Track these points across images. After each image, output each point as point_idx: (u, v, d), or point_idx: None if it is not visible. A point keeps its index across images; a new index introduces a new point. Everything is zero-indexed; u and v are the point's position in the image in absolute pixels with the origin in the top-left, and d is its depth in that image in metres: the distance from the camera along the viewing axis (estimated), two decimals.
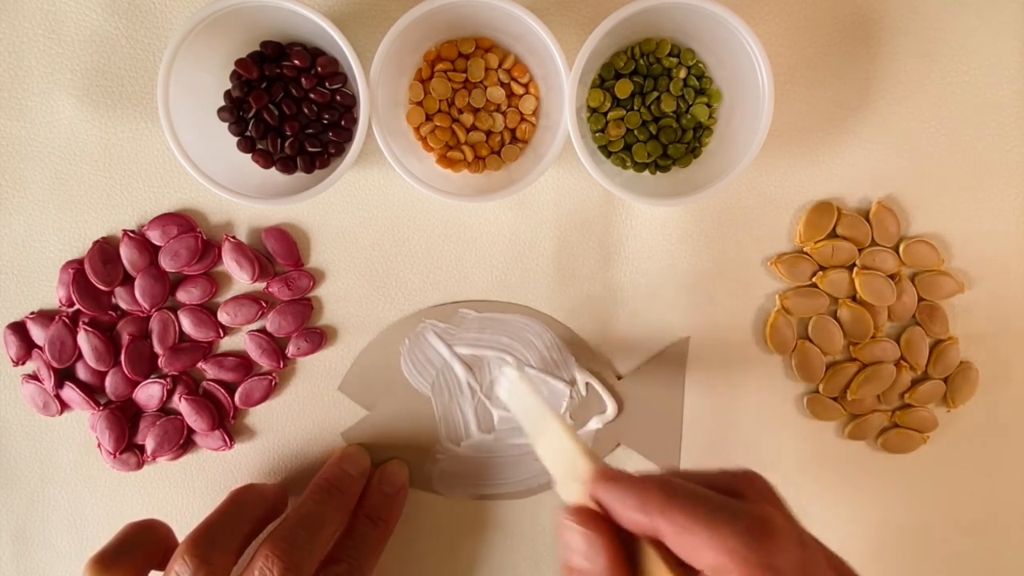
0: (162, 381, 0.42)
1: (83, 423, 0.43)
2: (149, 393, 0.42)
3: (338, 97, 0.39)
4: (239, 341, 0.43)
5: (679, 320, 0.43)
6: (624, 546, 0.27)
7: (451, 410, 0.43)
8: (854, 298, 0.43)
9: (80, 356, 0.42)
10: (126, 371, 0.41)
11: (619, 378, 0.43)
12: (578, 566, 0.26)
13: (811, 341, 0.43)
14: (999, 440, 0.44)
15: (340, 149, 0.40)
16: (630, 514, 0.26)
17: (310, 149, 0.39)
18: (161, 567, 0.36)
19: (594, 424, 0.43)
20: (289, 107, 0.39)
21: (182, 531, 0.36)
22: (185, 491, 0.44)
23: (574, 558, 0.27)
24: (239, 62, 0.38)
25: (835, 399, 0.43)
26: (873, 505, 0.44)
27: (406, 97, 0.40)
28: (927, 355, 0.43)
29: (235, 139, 0.39)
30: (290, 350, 0.42)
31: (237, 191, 0.36)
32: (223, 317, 0.42)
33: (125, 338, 0.41)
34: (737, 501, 0.26)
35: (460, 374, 0.42)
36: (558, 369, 0.43)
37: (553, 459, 0.31)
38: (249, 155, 0.39)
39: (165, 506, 0.44)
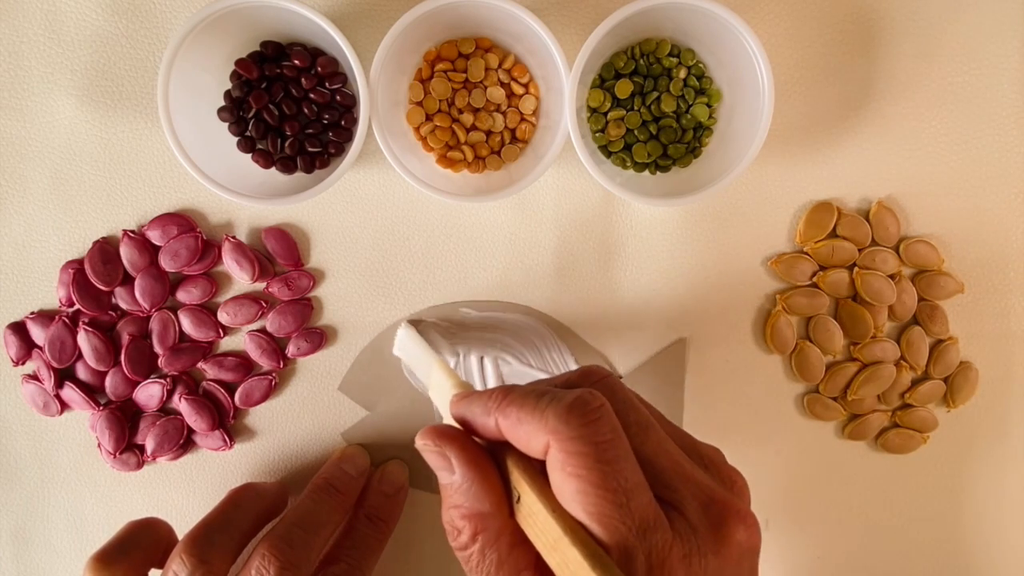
0: (162, 381, 0.42)
1: (83, 423, 0.43)
2: (149, 393, 0.42)
3: (338, 97, 0.39)
4: (239, 341, 0.43)
5: (679, 320, 0.43)
6: (495, 461, 0.28)
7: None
8: (854, 298, 0.43)
9: (80, 356, 0.42)
10: (126, 371, 0.41)
11: (619, 378, 0.43)
12: (444, 482, 0.27)
13: (811, 341, 0.43)
14: (999, 440, 0.44)
15: (340, 149, 0.40)
16: (479, 421, 0.27)
17: (310, 149, 0.39)
18: (161, 565, 0.36)
19: None
20: (289, 107, 0.39)
21: (182, 531, 0.36)
22: (185, 491, 0.44)
23: (439, 474, 0.28)
24: (239, 62, 0.38)
25: (835, 399, 0.43)
26: (873, 505, 0.44)
27: (406, 97, 0.40)
28: (927, 355, 0.43)
29: (235, 139, 0.39)
30: (290, 350, 0.42)
31: (237, 191, 0.36)
32: (223, 317, 0.42)
33: (125, 338, 0.41)
34: (566, 390, 0.26)
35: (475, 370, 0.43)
36: (558, 369, 0.43)
37: (439, 398, 0.32)
38: (249, 155, 0.39)
39: (165, 506, 0.44)
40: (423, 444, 0.28)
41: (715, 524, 0.25)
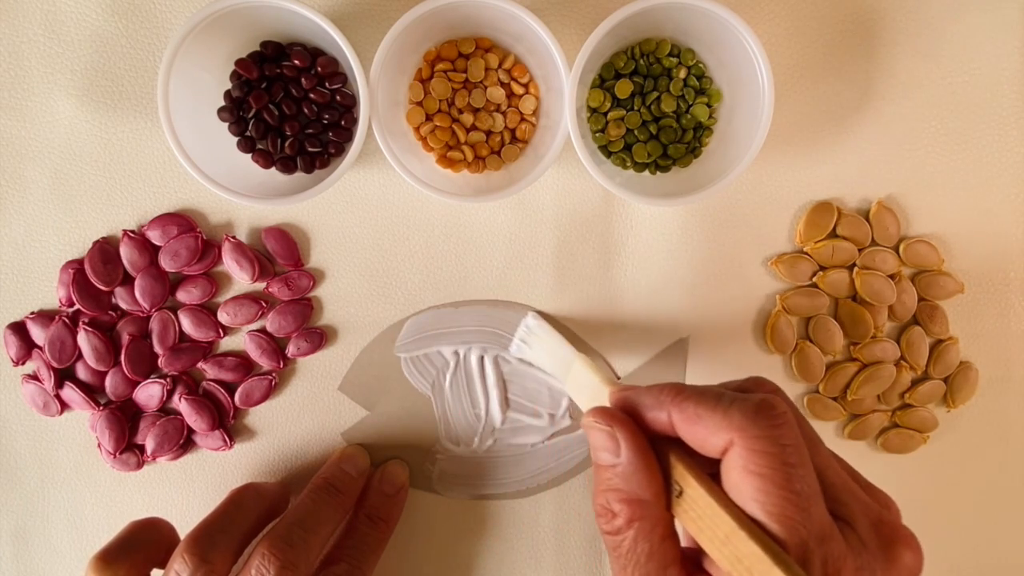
0: (162, 381, 0.42)
1: (83, 423, 0.43)
2: (149, 393, 0.42)
3: (338, 97, 0.39)
4: (239, 341, 0.43)
5: (679, 320, 0.43)
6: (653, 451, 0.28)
7: (459, 408, 0.43)
8: (854, 298, 0.43)
9: (80, 356, 0.42)
10: (126, 371, 0.41)
11: (619, 378, 0.43)
12: (606, 462, 0.28)
13: (811, 341, 0.43)
14: (999, 440, 0.44)
15: (340, 149, 0.40)
16: (649, 414, 0.28)
17: (310, 149, 0.39)
18: (163, 565, 0.36)
19: None
20: (289, 107, 0.39)
21: (182, 531, 0.37)
22: (185, 491, 0.44)
23: (601, 455, 0.28)
24: (239, 62, 0.38)
25: (835, 399, 0.43)
26: None
27: (406, 97, 0.40)
28: (927, 355, 0.43)
29: (235, 139, 0.39)
30: (290, 350, 0.42)
31: (237, 191, 0.36)
32: (223, 317, 0.42)
33: (125, 338, 0.41)
34: (745, 393, 0.27)
35: (482, 371, 0.43)
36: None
37: (580, 393, 0.33)
38: (249, 155, 0.39)
39: (165, 506, 0.44)
40: (592, 422, 0.28)
41: (885, 544, 0.26)
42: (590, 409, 0.29)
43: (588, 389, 0.32)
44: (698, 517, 0.26)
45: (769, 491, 0.24)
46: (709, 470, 0.27)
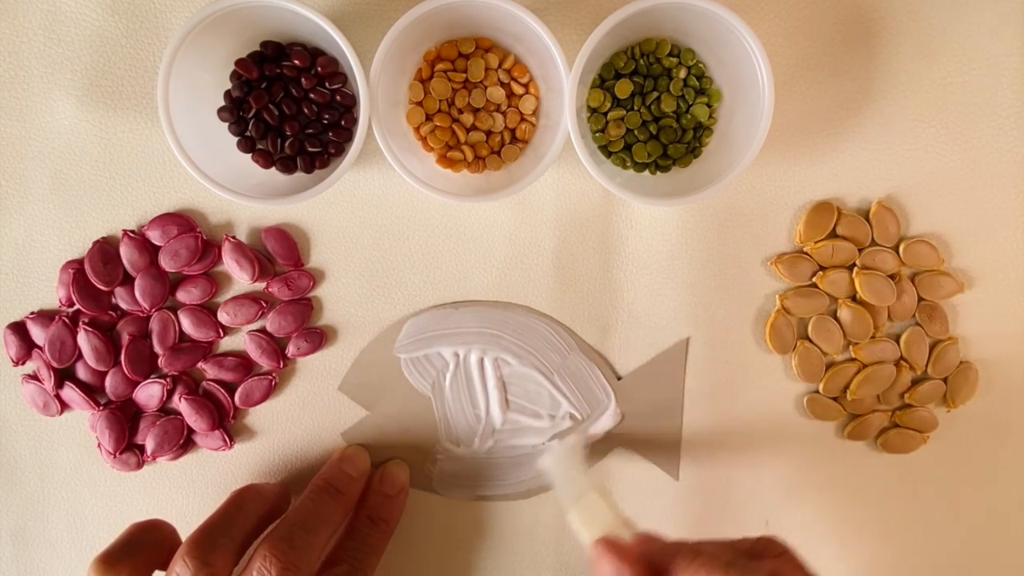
0: (162, 381, 0.42)
1: (83, 423, 0.43)
2: (149, 393, 0.42)
3: (338, 97, 0.39)
4: (239, 341, 0.43)
5: (679, 320, 0.43)
6: None
7: (459, 409, 0.43)
8: (854, 298, 0.43)
9: (80, 356, 0.42)
10: (126, 371, 0.41)
11: (619, 378, 0.43)
12: None
13: (811, 341, 0.43)
14: (999, 440, 0.44)
15: (340, 149, 0.40)
16: (665, 563, 0.29)
17: (310, 149, 0.39)
18: (165, 567, 0.36)
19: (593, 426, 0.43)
20: (289, 107, 0.39)
21: (182, 531, 0.37)
22: (185, 491, 0.44)
23: None
24: (239, 62, 0.38)
25: (835, 399, 0.43)
26: (873, 505, 0.45)
27: (406, 97, 0.40)
28: (927, 355, 0.43)
29: (235, 139, 0.39)
30: (290, 350, 0.42)
31: (237, 191, 0.36)
32: (223, 317, 0.42)
33: (125, 338, 0.41)
34: (754, 561, 0.28)
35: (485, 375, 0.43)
36: (557, 370, 0.43)
37: (588, 524, 0.34)
38: (249, 155, 0.39)
39: (165, 506, 0.44)
40: (604, 552, 0.30)
41: None
42: (605, 538, 0.30)
43: (599, 523, 0.33)
44: None
45: None
46: None
